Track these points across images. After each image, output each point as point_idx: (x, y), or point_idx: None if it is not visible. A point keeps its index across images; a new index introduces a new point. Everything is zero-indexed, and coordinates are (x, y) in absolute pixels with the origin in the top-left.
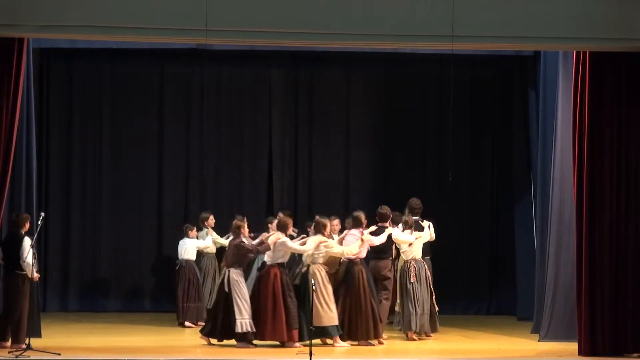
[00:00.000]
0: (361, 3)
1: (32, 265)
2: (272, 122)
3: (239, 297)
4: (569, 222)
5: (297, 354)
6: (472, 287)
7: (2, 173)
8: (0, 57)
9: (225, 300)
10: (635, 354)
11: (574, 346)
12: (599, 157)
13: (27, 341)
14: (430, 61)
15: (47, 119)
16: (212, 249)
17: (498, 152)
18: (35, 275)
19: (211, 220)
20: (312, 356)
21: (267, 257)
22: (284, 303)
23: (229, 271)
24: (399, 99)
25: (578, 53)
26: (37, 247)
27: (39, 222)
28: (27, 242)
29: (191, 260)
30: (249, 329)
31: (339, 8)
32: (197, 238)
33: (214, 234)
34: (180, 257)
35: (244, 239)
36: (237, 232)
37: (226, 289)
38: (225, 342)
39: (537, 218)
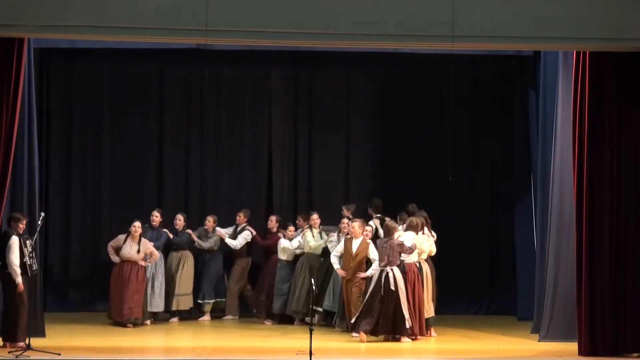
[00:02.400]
0: (361, 3)
1: (28, 265)
2: (272, 122)
3: (403, 295)
4: (569, 222)
5: (297, 354)
6: (472, 287)
7: (2, 173)
8: (0, 57)
9: (388, 298)
10: (635, 354)
11: (574, 346)
12: (599, 157)
13: (27, 341)
14: (430, 61)
15: (47, 119)
16: (315, 249)
17: (498, 151)
18: (20, 283)
19: (313, 219)
20: (312, 356)
21: (404, 256)
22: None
23: (392, 270)
24: (399, 98)
25: (578, 53)
26: (37, 247)
27: (39, 222)
28: (13, 241)
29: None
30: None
31: (339, 8)
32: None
33: (309, 235)
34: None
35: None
36: (390, 232)
37: (392, 287)
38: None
39: (537, 218)
